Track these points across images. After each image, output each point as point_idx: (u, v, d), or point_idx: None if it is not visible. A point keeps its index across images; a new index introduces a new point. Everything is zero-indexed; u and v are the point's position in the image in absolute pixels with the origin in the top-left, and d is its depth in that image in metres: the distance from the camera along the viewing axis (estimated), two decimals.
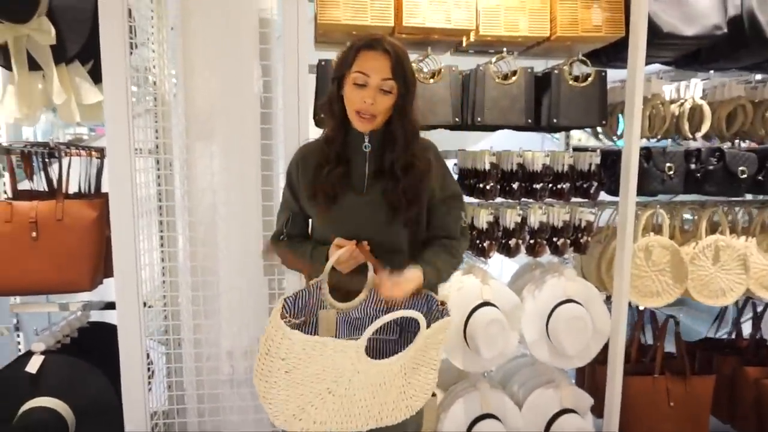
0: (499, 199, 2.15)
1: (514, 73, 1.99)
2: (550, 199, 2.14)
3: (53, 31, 1.72)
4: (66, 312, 2.03)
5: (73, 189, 1.98)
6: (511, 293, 2.12)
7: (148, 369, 1.87)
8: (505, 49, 2.00)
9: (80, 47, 1.79)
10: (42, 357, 1.82)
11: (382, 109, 1.30)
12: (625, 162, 2.08)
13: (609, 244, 2.28)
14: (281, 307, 1.26)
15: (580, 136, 2.86)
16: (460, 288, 2.10)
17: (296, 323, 1.28)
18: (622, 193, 2.10)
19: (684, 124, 2.30)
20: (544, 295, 2.12)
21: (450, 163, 2.32)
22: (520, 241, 2.09)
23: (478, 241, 2.09)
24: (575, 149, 2.50)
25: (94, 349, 1.96)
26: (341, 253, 1.30)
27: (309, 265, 1.42)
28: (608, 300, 2.28)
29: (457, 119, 1.96)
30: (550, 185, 2.09)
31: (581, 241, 2.13)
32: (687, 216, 2.45)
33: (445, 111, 1.93)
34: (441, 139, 2.15)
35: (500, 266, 2.65)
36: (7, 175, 1.94)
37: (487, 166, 2.01)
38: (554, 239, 2.11)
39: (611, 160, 2.29)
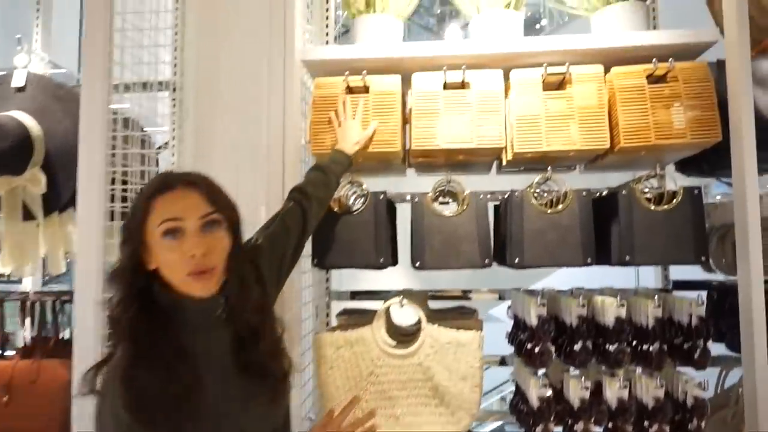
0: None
1: (564, 197, 1.52)
2: (637, 366, 1.53)
3: (44, 180, 1.65)
4: None
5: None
6: None
7: None
8: (549, 168, 1.55)
9: (72, 192, 1.69)
10: None
11: (221, 255, 0.94)
12: (744, 309, 1.44)
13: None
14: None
15: None
16: None
17: None
18: (746, 357, 1.43)
19: None
20: None
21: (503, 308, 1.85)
22: (594, 426, 1.49)
23: (531, 424, 1.53)
24: (677, 284, 1.88)
25: None
26: None
27: None
28: None
29: (487, 260, 1.51)
30: (636, 344, 1.50)
31: (690, 427, 1.47)
32: None
33: (471, 250, 1.50)
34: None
35: None
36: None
37: (534, 321, 1.49)
38: (645, 424, 1.48)
39: (732, 300, 1.64)
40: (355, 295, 2.03)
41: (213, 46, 1.70)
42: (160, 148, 1.96)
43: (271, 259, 1.14)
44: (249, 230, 1.26)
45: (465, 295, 1.97)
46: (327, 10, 2.01)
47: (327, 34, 2.00)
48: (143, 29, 1.75)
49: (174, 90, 1.89)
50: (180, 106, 1.90)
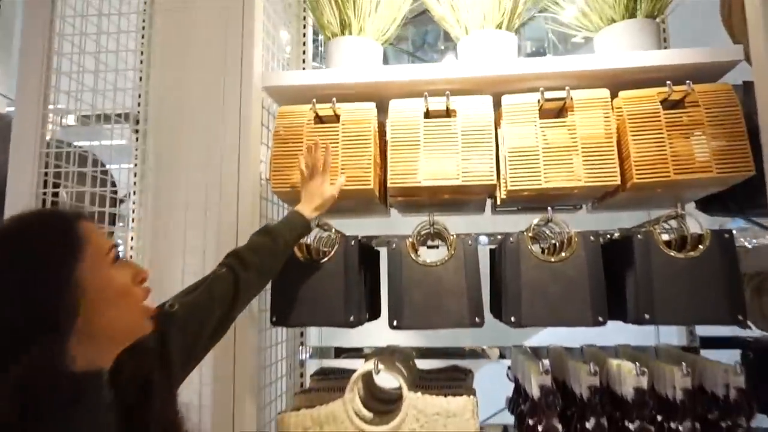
0: None
1: (569, 242, 1.28)
2: None
3: None
4: None
5: None
6: None
7: None
8: (549, 209, 1.32)
9: None
10: None
11: None
12: None
13: None
14: None
15: None
16: None
17: None
18: None
19: None
20: None
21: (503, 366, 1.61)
22: None
23: None
24: (705, 341, 1.62)
25: None
26: None
27: None
28: None
29: (477, 319, 1.26)
30: (661, 421, 1.24)
31: None
32: None
33: (458, 306, 1.26)
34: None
35: None
36: None
37: (536, 392, 1.24)
38: None
39: None
40: (341, 352, 1.78)
41: (168, 73, 1.52)
42: (123, 199, 1.76)
43: (184, 332, 0.91)
44: (189, 281, 1.05)
45: (465, 350, 1.73)
46: (304, 35, 1.85)
47: (304, 61, 1.82)
48: (96, 52, 1.57)
49: (137, 122, 1.71)
50: (144, 140, 1.71)
